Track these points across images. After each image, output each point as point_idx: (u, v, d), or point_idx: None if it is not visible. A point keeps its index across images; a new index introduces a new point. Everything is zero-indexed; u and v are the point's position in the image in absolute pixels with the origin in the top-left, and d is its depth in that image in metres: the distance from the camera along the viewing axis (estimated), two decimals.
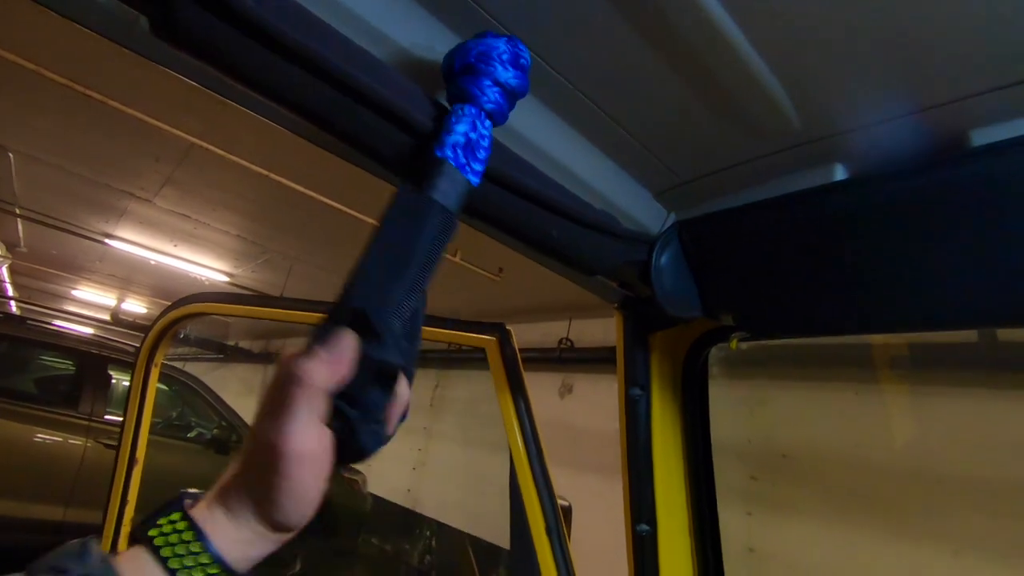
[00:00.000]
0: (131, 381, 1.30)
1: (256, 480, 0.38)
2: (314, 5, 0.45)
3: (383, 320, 0.39)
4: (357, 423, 0.38)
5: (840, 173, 0.60)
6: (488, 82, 0.48)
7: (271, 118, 0.61)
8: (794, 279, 0.64)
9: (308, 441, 0.37)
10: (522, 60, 0.50)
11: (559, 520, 1.01)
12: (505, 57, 0.49)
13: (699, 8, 0.47)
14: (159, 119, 3.04)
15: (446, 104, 0.51)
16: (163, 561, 0.36)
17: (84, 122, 3.26)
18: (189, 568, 0.36)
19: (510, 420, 1.05)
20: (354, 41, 0.48)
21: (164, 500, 0.39)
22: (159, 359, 1.33)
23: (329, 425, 0.38)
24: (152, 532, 0.36)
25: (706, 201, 0.73)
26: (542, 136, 0.64)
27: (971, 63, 0.48)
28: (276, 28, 0.40)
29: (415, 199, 0.45)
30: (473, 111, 0.48)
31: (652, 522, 0.84)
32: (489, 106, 0.49)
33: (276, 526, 0.38)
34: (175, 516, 0.37)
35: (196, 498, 0.39)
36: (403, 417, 0.43)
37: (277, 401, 0.37)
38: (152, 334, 1.31)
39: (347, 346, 0.38)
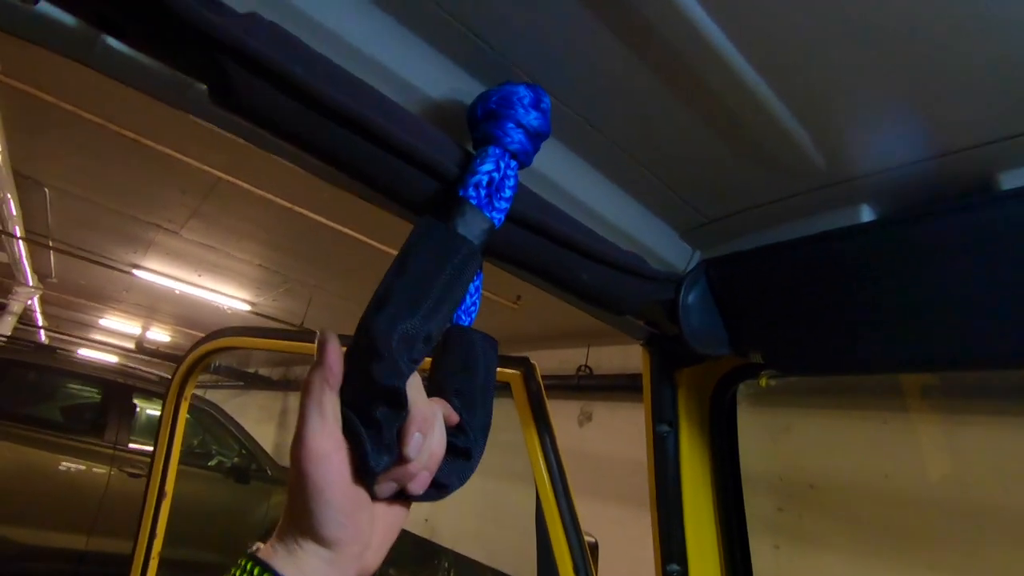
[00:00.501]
0: (162, 413, 1.32)
1: (294, 499, 0.39)
2: (350, 62, 0.48)
3: (385, 340, 0.40)
4: (364, 437, 0.39)
5: (867, 214, 0.60)
6: (511, 124, 0.50)
7: (301, 166, 0.64)
8: (822, 318, 0.64)
9: (318, 440, 0.38)
10: (543, 103, 0.52)
11: (587, 559, 1.00)
12: (526, 100, 0.51)
13: (718, 56, 0.48)
14: (187, 155, 3.15)
15: (472, 151, 0.53)
16: None
17: (116, 158, 3.39)
18: None
19: (535, 455, 1.05)
20: (387, 95, 0.51)
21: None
22: (189, 392, 1.35)
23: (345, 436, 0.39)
24: None
25: (733, 240, 0.74)
26: (568, 179, 0.65)
27: (998, 106, 0.49)
28: (321, 91, 0.42)
29: (438, 229, 0.46)
30: (497, 151, 0.50)
31: (683, 562, 0.83)
32: (513, 147, 0.50)
33: (326, 541, 0.39)
34: (245, 563, 0.38)
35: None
36: (466, 471, 0.45)
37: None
38: (184, 367, 1.34)
39: (331, 348, 0.40)
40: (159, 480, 1.26)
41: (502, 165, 0.50)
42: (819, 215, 0.64)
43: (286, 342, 1.25)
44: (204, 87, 0.41)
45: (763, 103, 0.53)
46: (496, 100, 0.51)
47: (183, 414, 1.32)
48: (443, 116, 0.56)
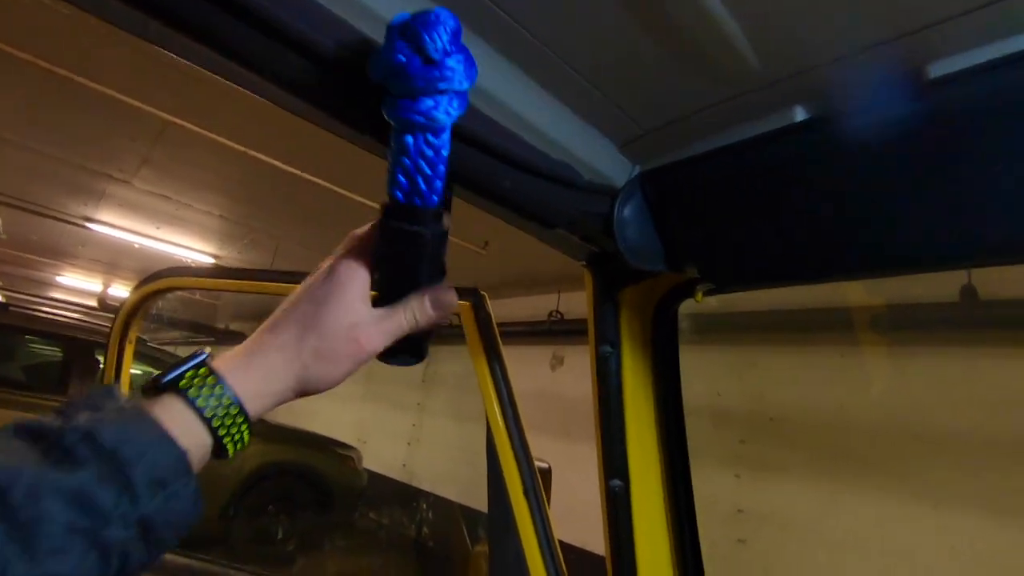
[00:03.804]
0: (104, 359, 1.28)
1: (303, 310, 0.47)
2: None
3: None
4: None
5: (800, 115, 0.58)
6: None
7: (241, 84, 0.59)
8: (755, 227, 0.63)
9: (349, 263, 0.48)
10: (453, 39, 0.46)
11: (536, 480, 1.02)
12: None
13: None
14: (130, 96, 2.96)
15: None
16: (191, 400, 0.41)
17: (53, 101, 3.17)
18: (214, 407, 0.41)
19: (486, 384, 1.05)
20: None
21: (184, 359, 0.44)
22: (133, 336, 1.31)
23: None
24: (181, 382, 0.42)
25: (671, 152, 0.72)
26: (499, 86, 0.62)
27: None
28: None
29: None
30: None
31: (625, 478, 0.85)
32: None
33: (312, 368, 0.46)
34: (201, 369, 0.42)
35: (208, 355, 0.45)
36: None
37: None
38: (124, 310, 1.29)
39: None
40: None
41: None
42: (756, 120, 0.62)
43: (229, 280, 1.21)
44: None
45: (699, 1, 0.50)
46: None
47: (127, 358, 1.29)
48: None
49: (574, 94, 0.66)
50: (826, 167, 0.57)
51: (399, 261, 0.49)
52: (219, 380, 0.42)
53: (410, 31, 0.42)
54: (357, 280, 0.48)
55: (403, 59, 0.42)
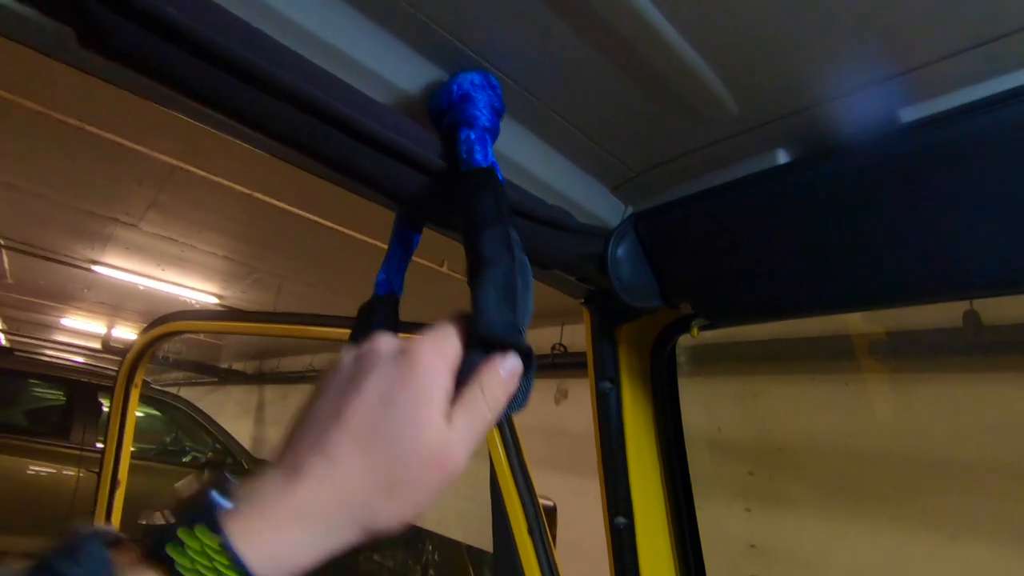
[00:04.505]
0: (111, 402, 1.29)
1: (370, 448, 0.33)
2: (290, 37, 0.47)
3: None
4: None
5: (783, 157, 0.61)
6: (483, 106, 0.53)
7: (261, 148, 0.63)
8: (744, 264, 0.65)
9: (431, 356, 0.37)
10: (498, 87, 0.56)
11: (541, 520, 1.01)
12: (487, 84, 0.54)
13: (630, 7, 0.48)
14: (138, 143, 3.05)
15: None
16: None
17: (62, 149, 3.27)
18: None
19: None
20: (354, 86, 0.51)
21: (187, 502, 0.31)
22: (139, 379, 1.32)
23: None
24: (173, 552, 0.29)
25: (662, 193, 0.74)
26: (500, 139, 0.65)
27: (895, 42, 0.49)
28: (264, 68, 0.42)
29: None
30: (474, 131, 0.52)
31: (629, 515, 0.85)
32: (486, 124, 0.53)
33: (380, 510, 0.33)
34: (205, 535, 0.29)
35: (226, 493, 0.32)
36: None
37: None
38: (131, 354, 1.31)
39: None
40: (111, 469, 1.24)
41: (486, 138, 0.53)
42: (739, 162, 0.65)
43: (235, 323, 1.23)
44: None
45: (671, 46, 0.53)
46: (461, 86, 0.53)
47: (134, 401, 1.30)
48: (411, 106, 0.56)
49: (566, 141, 0.69)
50: (808, 207, 0.59)
51: None
52: (229, 558, 0.29)
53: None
54: (442, 380, 0.36)
55: None
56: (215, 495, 0.31)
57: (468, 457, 0.36)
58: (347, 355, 0.39)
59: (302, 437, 0.35)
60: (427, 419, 0.35)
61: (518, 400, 0.40)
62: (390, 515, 0.34)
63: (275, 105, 0.45)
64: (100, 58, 0.41)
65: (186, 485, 4.10)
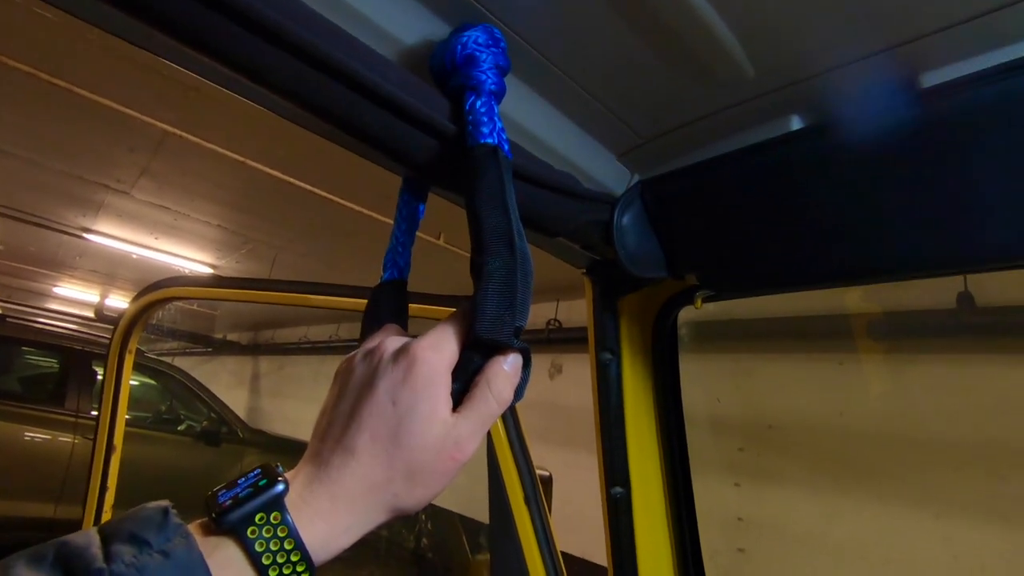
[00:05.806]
0: (104, 369, 1.28)
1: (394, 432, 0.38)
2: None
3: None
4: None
5: (796, 123, 0.59)
6: (488, 67, 0.51)
7: (263, 104, 0.60)
8: (754, 233, 0.63)
9: (430, 357, 0.41)
10: (502, 41, 0.53)
11: (537, 488, 1.02)
12: (491, 42, 0.52)
13: None
14: (130, 107, 2.98)
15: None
16: (255, 558, 0.34)
17: (52, 113, 3.19)
18: (280, 565, 0.34)
19: None
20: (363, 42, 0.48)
21: (253, 482, 0.36)
22: (133, 346, 1.31)
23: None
24: (249, 528, 0.34)
25: (669, 160, 0.73)
26: (505, 100, 0.63)
27: (919, 1, 0.47)
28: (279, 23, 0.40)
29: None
30: (480, 96, 0.50)
31: (626, 485, 0.85)
32: (493, 87, 0.51)
33: (403, 496, 0.38)
34: (275, 516, 0.35)
35: (284, 481, 0.37)
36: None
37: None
38: (124, 320, 1.29)
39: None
40: (107, 434, 1.24)
41: (492, 105, 0.51)
42: (751, 129, 0.63)
43: (229, 290, 1.22)
44: None
45: (693, 7, 0.51)
46: (466, 46, 0.51)
47: (128, 368, 1.29)
48: (411, 60, 0.54)
49: (573, 104, 0.67)
50: (822, 175, 0.57)
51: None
52: (291, 534, 0.35)
53: None
54: (442, 379, 0.41)
55: None
56: (280, 484, 0.36)
57: (476, 444, 0.41)
58: (359, 354, 0.44)
59: (329, 435, 0.40)
60: (433, 415, 0.39)
61: (517, 393, 0.44)
62: (413, 499, 0.39)
63: (277, 55, 0.42)
64: (101, 3, 0.39)
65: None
